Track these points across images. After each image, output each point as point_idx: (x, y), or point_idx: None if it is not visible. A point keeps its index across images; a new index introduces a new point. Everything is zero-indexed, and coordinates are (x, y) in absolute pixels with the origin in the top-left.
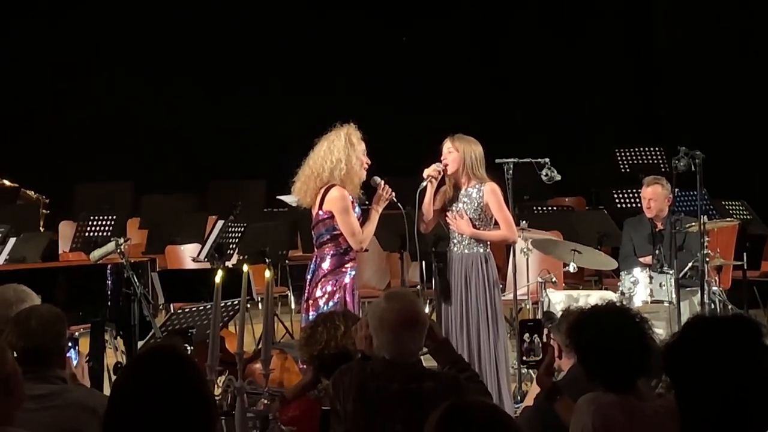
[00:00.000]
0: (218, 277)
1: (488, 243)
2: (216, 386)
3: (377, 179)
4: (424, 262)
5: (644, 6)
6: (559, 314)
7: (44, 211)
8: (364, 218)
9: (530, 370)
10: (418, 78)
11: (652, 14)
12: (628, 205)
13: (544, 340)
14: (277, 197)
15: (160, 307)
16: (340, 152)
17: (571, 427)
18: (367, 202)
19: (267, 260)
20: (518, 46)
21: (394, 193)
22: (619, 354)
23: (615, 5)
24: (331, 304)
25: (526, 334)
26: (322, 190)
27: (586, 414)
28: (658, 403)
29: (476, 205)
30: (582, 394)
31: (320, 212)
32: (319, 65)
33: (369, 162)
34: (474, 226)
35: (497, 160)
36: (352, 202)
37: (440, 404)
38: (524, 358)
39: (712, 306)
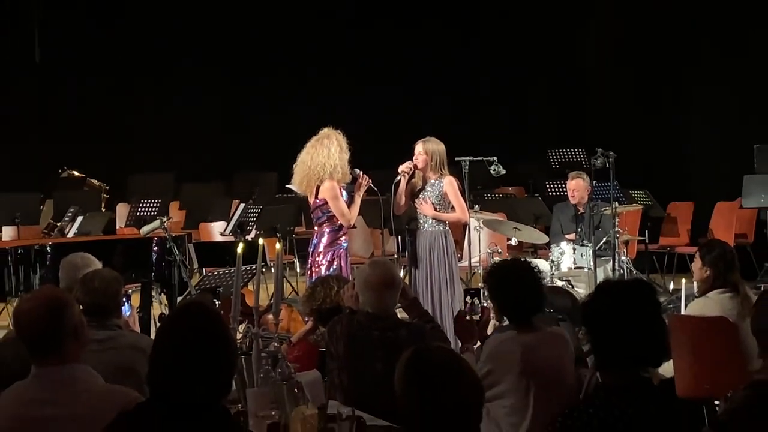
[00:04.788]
0: (240, 247)
1: (447, 223)
2: (237, 332)
3: (357, 171)
4: (399, 237)
5: (572, 40)
6: None
7: (105, 195)
8: (350, 202)
9: None
10: (398, 91)
11: (578, 47)
12: (557, 194)
13: (484, 303)
14: (286, 186)
15: (195, 270)
16: (336, 158)
17: (481, 356)
18: (351, 194)
19: (278, 234)
20: (473, 75)
21: (371, 181)
22: (518, 296)
23: (546, 43)
24: (331, 269)
25: (468, 298)
26: (318, 182)
27: (489, 346)
28: (547, 330)
29: (437, 193)
30: None
31: (317, 200)
32: (317, 78)
33: None
34: (435, 210)
35: (457, 158)
36: (340, 190)
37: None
38: (467, 317)
39: (621, 272)
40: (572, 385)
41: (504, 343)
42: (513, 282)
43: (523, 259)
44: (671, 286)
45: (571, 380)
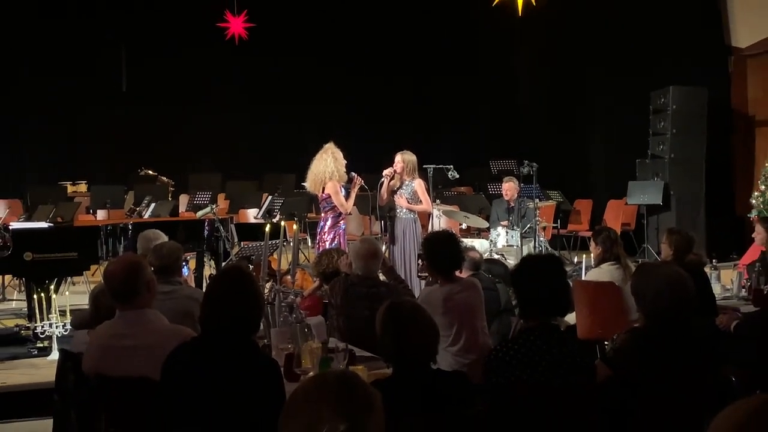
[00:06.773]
0: (267, 227)
1: (416, 212)
2: (265, 288)
3: (353, 174)
4: (382, 221)
5: (508, 77)
6: None
7: (171, 188)
8: (347, 196)
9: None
10: (386, 113)
11: (511, 83)
12: (495, 192)
13: None
14: (302, 184)
15: (235, 243)
16: (334, 166)
17: None
18: (348, 190)
19: (295, 218)
20: (439, 107)
21: (363, 181)
22: (440, 256)
23: (488, 80)
24: (333, 244)
25: (419, 260)
26: (322, 183)
27: (421, 297)
28: (462, 281)
29: (410, 191)
30: None
31: (323, 195)
32: (323, 105)
33: None
34: (408, 203)
35: (424, 166)
36: (339, 188)
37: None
38: (419, 273)
39: (540, 249)
40: (482, 318)
41: (430, 294)
42: (438, 247)
43: (448, 231)
44: (575, 259)
45: (481, 315)
